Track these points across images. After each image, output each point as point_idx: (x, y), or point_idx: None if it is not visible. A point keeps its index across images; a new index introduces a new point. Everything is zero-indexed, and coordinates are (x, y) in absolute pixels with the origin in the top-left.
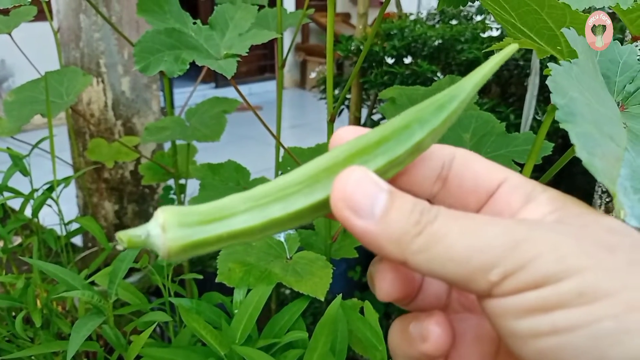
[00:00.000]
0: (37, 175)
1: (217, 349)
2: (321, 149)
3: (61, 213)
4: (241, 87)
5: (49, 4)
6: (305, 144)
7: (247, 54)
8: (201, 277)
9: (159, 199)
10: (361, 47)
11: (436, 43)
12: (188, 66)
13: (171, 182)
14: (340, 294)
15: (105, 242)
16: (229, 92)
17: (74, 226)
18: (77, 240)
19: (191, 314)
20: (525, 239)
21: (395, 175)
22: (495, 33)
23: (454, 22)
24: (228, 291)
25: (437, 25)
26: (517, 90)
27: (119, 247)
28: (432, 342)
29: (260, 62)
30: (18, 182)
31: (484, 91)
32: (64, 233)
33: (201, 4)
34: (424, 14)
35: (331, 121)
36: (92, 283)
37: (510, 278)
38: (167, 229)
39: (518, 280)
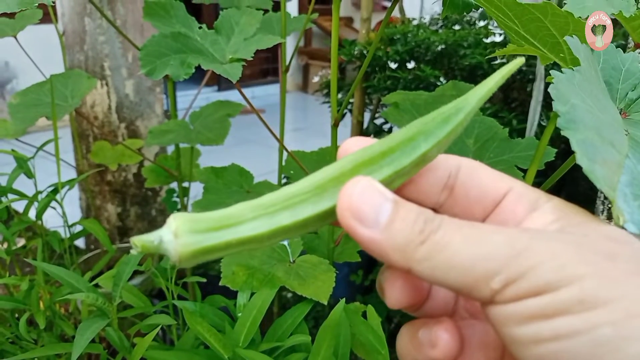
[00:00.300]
0: (40, 177)
1: (221, 352)
2: (324, 153)
3: (65, 215)
4: (244, 91)
5: (54, 7)
6: (307, 147)
7: (250, 58)
8: (204, 280)
9: (161, 201)
10: (364, 52)
11: (439, 48)
12: (194, 70)
13: (174, 185)
14: (344, 298)
15: (109, 245)
16: (231, 96)
17: (78, 228)
18: (80, 242)
19: (195, 317)
20: (527, 247)
21: (402, 184)
22: (498, 39)
23: (457, 27)
24: (231, 294)
25: (440, 31)
26: (519, 96)
27: (133, 252)
28: (441, 348)
29: (263, 66)
30: (22, 184)
31: None
32: (68, 235)
33: (204, 8)
34: (427, 19)
35: (335, 125)
36: (96, 285)
37: (512, 286)
38: (179, 235)
39: (519, 288)
